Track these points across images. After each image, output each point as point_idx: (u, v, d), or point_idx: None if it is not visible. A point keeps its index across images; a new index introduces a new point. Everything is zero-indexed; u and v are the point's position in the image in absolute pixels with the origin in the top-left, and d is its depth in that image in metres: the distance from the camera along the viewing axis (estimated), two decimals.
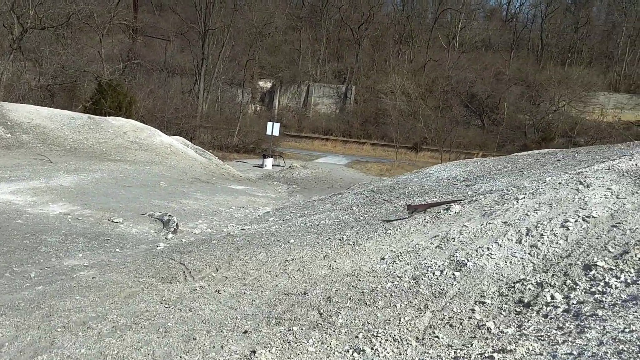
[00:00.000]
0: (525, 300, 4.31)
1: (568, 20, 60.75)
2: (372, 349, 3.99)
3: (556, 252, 4.91)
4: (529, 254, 5.04)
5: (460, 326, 4.14)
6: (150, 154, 18.30)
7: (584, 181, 6.30)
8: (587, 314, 3.74)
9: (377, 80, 53.64)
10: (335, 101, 55.65)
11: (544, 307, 4.11)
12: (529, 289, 4.46)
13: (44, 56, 31.18)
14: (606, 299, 4.03)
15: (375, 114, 51.58)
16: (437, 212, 7.05)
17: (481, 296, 4.58)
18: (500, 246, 5.31)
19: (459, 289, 4.80)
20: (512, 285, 4.61)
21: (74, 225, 9.02)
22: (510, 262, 5.00)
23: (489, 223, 5.88)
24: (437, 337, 4.04)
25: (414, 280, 5.19)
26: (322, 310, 4.79)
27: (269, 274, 5.99)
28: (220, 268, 6.32)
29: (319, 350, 4.08)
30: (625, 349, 3.18)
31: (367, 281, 5.40)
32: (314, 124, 52.26)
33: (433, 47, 57.48)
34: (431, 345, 3.91)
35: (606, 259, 4.49)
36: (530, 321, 3.93)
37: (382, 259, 5.97)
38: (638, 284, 4.15)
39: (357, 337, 4.22)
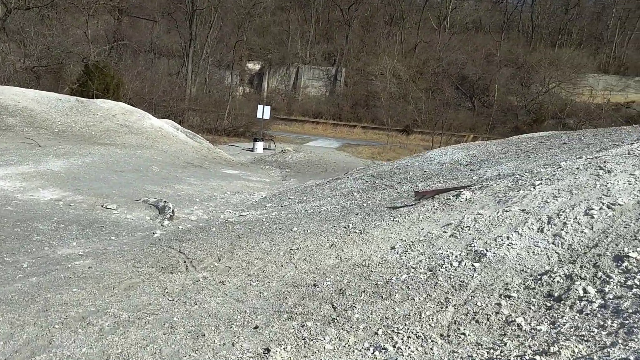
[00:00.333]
0: (555, 294, 4.05)
1: (558, 1, 60.42)
2: (394, 346, 3.74)
3: (582, 241, 4.65)
4: (553, 243, 4.78)
5: (488, 322, 3.89)
6: (140, 137, 17.88)
7: (604, 166, 6.05)
8: (630, 310, 3.48)
9: (367, 62, 53.16)
10: (325, 84, 55.11)
11: (577, 301, 3.85)
12: (558, 281, 4.21)
13: (29, 37, 30.39)
14: None
15: (365, 96, 51.17)
16: (447, 199, 6.80)
17: (505, 289, 4.32)
18: (521, 235, 5.05)
19: (480, 281, 4.55)
20: (539, 277, 4.35)
21: (66, 212, 8.69)
22: (533, 252, 4.75)
23: (506, 211, 5.62)
24: (464, 334, 3.79)
25: (430, 271, 4.94)
26: (335, 304, 4.54)
27: (274, 264, 5.74)
28: (223, 257, 6.05)
29: (337, 348, 3.83)
30: None
31: (379, 272, 5.14)
32: (303, 106, 51.78)
33: (424, 28, 56.99)
34: (458, 344, 3.66)
35: (638, 249, 4.25)
36: (564, 317, 3.67)
37: (393, 248, 5.71)
38: None
39: (376, 333, 3.97)
